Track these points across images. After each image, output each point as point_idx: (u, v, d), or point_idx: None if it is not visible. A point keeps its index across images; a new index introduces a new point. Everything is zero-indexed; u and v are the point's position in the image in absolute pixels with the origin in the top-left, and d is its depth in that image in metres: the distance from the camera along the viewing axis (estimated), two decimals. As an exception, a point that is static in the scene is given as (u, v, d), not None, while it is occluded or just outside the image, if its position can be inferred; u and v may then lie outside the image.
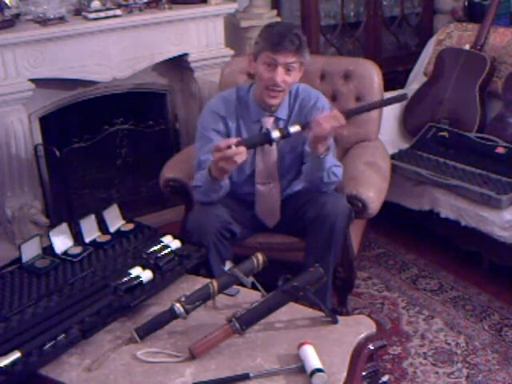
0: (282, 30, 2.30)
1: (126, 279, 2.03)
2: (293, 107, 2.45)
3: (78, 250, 2.30)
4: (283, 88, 2.32)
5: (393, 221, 3.31)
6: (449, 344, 2.56)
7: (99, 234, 2.40)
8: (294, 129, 2.18)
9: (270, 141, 2.18)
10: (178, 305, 1.85)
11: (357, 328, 1.88)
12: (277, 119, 2.43)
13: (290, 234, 2.50)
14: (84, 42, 3.02)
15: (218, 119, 2.43)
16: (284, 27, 2.32)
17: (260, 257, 1.97)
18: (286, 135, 2.18)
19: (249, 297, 1.99)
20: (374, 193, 2.47)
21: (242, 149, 2.10)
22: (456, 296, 2.86)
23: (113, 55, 3.12)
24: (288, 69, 2.29)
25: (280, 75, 2.28)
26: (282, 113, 2.43)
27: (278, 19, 3.72)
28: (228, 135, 2.43)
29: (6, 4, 2.92)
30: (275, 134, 2.16)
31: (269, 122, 2.41)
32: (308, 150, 2.32)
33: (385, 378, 2.29)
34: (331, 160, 2.30)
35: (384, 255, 3.20)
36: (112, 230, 2.42)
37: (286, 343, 1.81)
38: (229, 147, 2.08)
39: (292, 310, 1.93)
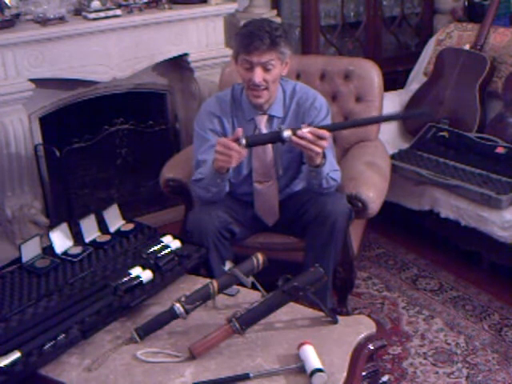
0: (252, 29, 2.26)
1: (126, 279, 2.03)
2: (289, 106, 2.44)
3: (77, 250, 2.30)
4: (265, 86, 2.30)
5: (393, 221, 3.31)
6: (449, 344, 2.55)
7: (99, 234, 2.40)
8: (305, 129, 2.13)
9: (280, 140, 2.14)
10: (177, 305, 1.85)
11: (357, 328, 1.88)
12: (270, 117, 2.42)
13: (290, 234, 2.50)
14: (84, 42, 3.02)
15: (214, 119, 2.43)
16: (255, 26, 2.28)
17: (260, 257, 1.97)
18: (295, 134, 2.13)
19: (249, 297, 1.99)
20: (374, 193, 2.47)
21: (244, 151, 2.13)
22: (456, 296, 2.86)
23: (113, 55, 3.12)
24: (266, 67, 2.26)
25: (258, 75, 2.26)
26: (276, 111, 2.42)
27: (278, 19, 3.73)
28: (224, 135, 2.42)
29: (6, 4, 2.92)
30: (287, 133, 2.12)
31: (262, 120, 2.41)
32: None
33: (385, 378, 2.30)
34: (329, 166, 2.28)
35: (384, 255, 3.20)
36: (112, 230, 2.42)
37: (286, 343, 1.81)
38: (236, 141, 2.10)
39: (292, 310, 1.93)
